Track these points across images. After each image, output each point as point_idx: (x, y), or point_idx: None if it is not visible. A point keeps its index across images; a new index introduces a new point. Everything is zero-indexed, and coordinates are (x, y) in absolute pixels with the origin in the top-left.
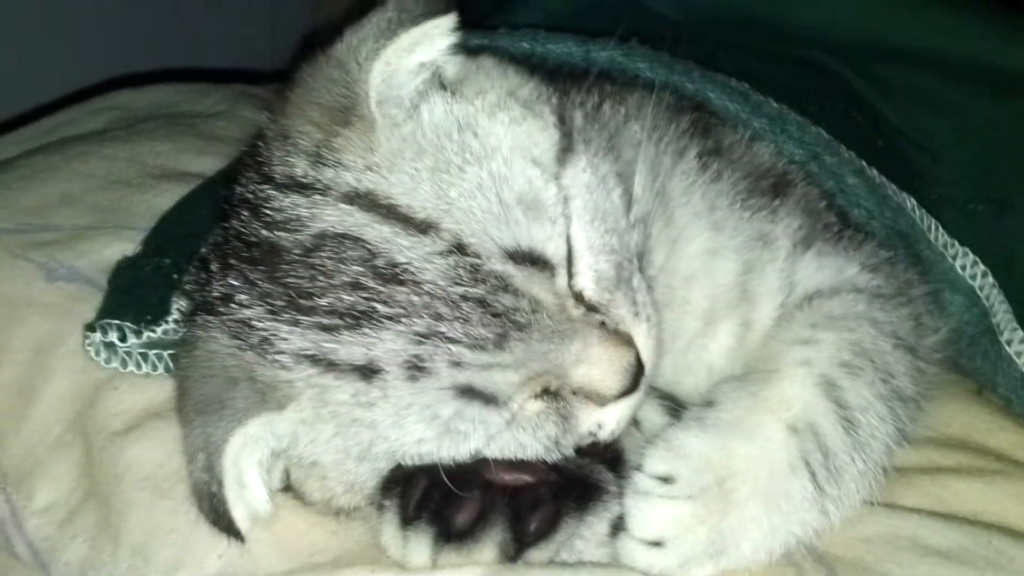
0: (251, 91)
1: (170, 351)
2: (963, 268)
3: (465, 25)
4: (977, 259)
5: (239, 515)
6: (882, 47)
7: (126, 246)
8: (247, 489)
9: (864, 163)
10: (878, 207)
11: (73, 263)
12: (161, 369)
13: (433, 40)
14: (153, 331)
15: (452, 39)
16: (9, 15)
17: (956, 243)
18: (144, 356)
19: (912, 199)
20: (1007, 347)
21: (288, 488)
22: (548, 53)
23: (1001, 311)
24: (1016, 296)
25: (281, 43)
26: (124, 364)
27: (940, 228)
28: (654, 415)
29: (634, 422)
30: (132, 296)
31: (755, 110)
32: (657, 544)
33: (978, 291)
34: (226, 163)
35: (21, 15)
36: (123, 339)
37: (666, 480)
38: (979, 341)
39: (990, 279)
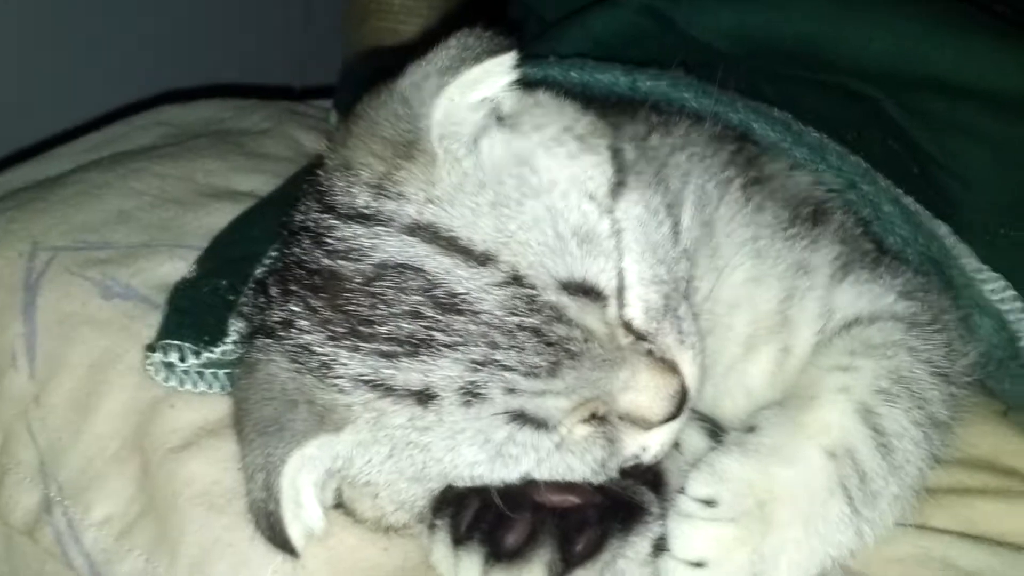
0: (295, 108)
1: (226, 370)
2: (992, 292)
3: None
4: (1008, 284)
5: (295, 533)
6: (924, 78)
7: (179, 264)
8: (303, 508)
9: (900, 191)
10: (913, 234)
11: (128, 281)
12: (217, 388)
13: (495, 77)
14: (212, 352)
15: (513, 76)
16: (44, 33)
17: (987, 268)
18: (201, 375)
19: (945, 225)
20: None
21: (339, 505)
22: (595, 82)
23: None
24: None
25: (310, 60)
26: (181, 383)
27: (973, 254)
28: (694, 437)
29: (675, 445)
30: (191, 317)
31: (796, 140)
32: (699, 565)
33: (1005, 315)
34: (274, 182)
35: (53, 33)
36: (183, 359)
37: (708, 503)
38: (1007, 364)
39: (1019, 304)
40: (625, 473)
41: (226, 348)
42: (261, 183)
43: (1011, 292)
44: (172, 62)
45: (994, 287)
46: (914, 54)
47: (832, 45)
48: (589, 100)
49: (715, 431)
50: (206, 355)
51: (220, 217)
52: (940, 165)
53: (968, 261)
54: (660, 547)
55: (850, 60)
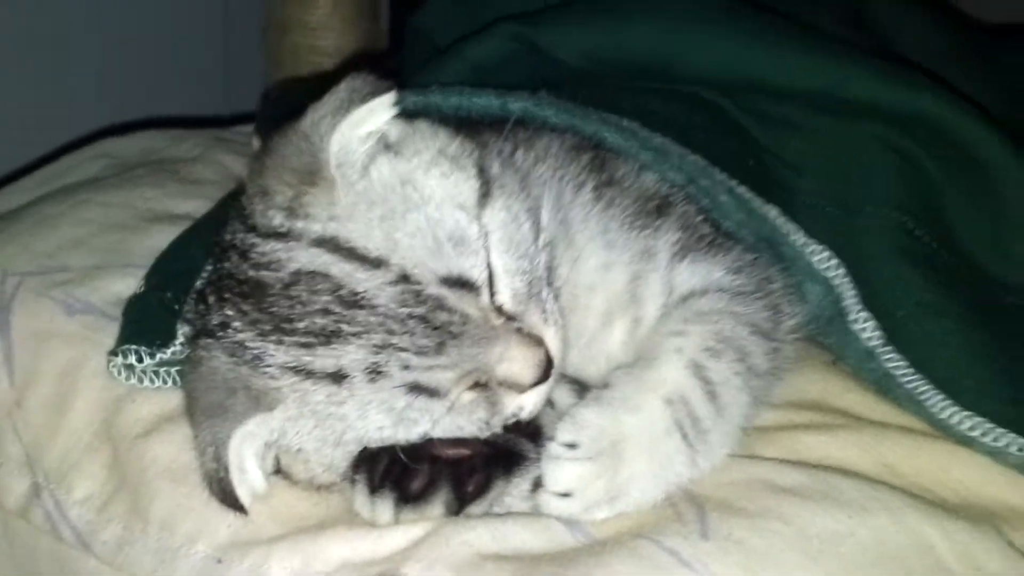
0: (221, 135)
1: (176, 368)
2: (819, 262)
3: (403, 89)
4: (832, 254)
5: (243, 494)
6: (750, 83)
7: (130, 281)
8: (247, 473)
9: (734, 183)
10: (746, 218)
11: (87, 298)
12: (170, 383)
13: (378, 114)
14: (164, 352)
15: (393, 111)
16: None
17: (813, 243)
18: (156, 373)
19: (775, 208)
20: (853, 326)
21: (279, 471)
22: (473, 105)
23: (849, 296)
24: (864, 282)
25: (235, 91)
26: (140, 381)
27: (800, 231)
28: (565, 396)
29: (550, 403)
30: (143, 325)
31: (643, 144)
32: (566, 495)
33: (831, 281)
34: (207, 205)
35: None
36: (139, 360)
37: (571, 446)
38: (833, 322)
39: (842, 270)
40: (508, 428)
41: (175, 349)
42: (195, 206)
43: (835, 261)
44: (113, 99)
45: (820, 257)
46: (738, 64)
47: (669, 61)
48: (469, 121)
49: (582, 391)
50: (159, 356)
51: (161, 238)
52: (776, 156)
53: (797, 237)
54: (538, 484)
55: (688, 72)
